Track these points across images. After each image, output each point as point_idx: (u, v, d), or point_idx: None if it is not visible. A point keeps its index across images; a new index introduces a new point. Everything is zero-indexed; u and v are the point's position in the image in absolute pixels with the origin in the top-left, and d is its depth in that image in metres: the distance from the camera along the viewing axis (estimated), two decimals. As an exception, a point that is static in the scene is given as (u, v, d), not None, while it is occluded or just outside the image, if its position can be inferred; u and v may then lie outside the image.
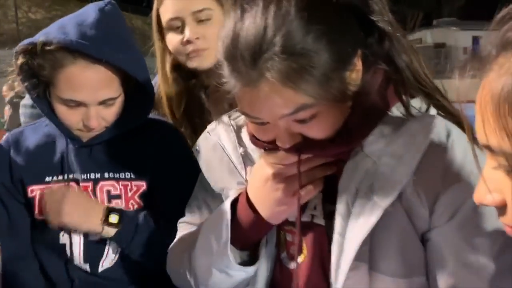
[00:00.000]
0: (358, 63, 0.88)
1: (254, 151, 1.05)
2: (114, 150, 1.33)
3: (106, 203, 1.32)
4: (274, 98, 0.83)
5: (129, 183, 1.34)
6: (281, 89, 0.82)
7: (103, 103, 1.26)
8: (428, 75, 0.94)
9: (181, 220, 1.21)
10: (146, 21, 1.60)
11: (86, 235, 1.34)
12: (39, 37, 1.20)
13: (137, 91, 1.30)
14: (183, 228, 1.19)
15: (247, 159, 1.06)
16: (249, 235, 1.01)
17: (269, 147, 0.95)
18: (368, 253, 0.91)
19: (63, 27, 1.22)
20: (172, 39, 1.52)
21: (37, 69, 1.23)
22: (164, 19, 1.51)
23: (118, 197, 1.33)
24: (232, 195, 1.03)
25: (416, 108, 0.94)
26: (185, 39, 1.48)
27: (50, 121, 1.33)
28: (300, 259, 0.99)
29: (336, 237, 0.92)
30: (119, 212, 1.30)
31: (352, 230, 0.90)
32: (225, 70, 0.87)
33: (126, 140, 1.35)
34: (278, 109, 0.85)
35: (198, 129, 1.28)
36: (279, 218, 0.98)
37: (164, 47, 1.55)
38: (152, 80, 1.43)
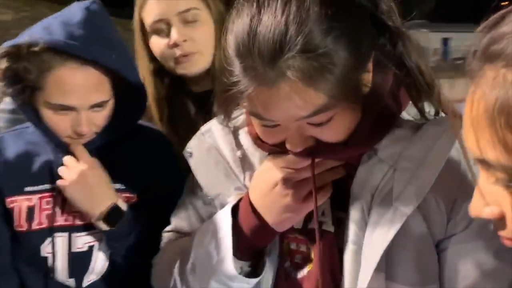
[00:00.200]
0: (370, 64, 0.85)
1: (253, 155, 1.00)
2: (104, 159, 1.26)
3: None
4: (294, 99, 0.79)
5: (119, 194, 1.27)
6: (301, 89, 0.78)
7: (94, 107, 1.19)
8: (434, 78, 0.91)
9: (166, 229, 1.15)
10: (127, 26, 1.50)
11: (70, 246, 1.26)
12: (23, 38, 1.13)
13: (126, 94, 1.24)
14: (170, 237, 1.13)
15: (245, 163, 1.01)
16: (252, 244, 0.96)
17: (276, 150, 0.91)
18: (385, 262, 0.88)
19: (48, 27, 1.15)
20: (158, 43, 1.43)
21: (22, 73, 1.15)
22: (148, 22, 1.42)
23: None
24: (231, 201, 0.98)
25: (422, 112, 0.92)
26: (171, 42, 1.39)
27: (36, 129, 1.25)
28: (308, 268, 0.95)
29: (350, 246, 0.89)
30: (120, 214, 1.24)
31: (371, 239, 0.87)
32: (237, 69, 0.82)
33: (115, 148, 1.29)
34: (296, 110, 0.81)
35: (183, 140, 1.21)
36: (286, 225, 0.94)
37: (148, 52, 1.46)
38: None
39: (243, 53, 0.80)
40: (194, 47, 1.40)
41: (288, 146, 0.87)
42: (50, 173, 1.27)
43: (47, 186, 1.27)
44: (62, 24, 1.15)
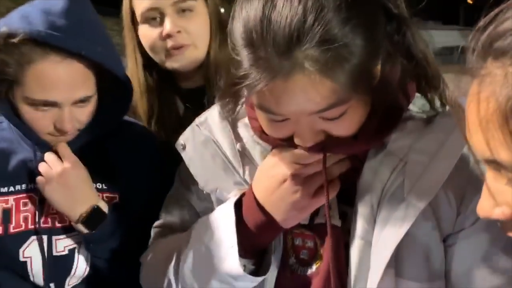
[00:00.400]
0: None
1: (253, 148, 0.97)
2: (87, 158, 1.19)
3: None
4: (309, 92, 0.76)
5: (100, 194, 1.21)
6: (318, 81, 0.75)
7: (78, 102, 1.12)
8: (438, 69, 0.91)
9: (156, 224, 1.11)
10: (112, 24, 1.41)
11: (50, 249, 1.19)
12: (0, 28, 1.04)
13: (111, 88, 1.17)
14: (159, 233, 1.09)
15: (245, 157, 0.97)
16: (256, 241, 0.93)
17: (282, 144, 0.88)
18: (395, 258, 0.86)
19: (26, 16, 1.07)
20: (148, 34, 1.35)
21: None
22: (139, 10, 1.34)
23: None
24: (233, 196, 0.94)
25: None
26: (165, 33, 1.31)
27: (13, 126, 1.17)
28: (316, 264, 0.93)
29: (357, 241, 0.88)
30: (101, 216, 1.17)
31: (381, 235, 0.86)
32: (246, 60, 0.77)
33: (98, 146, 1.22)
34: (311, 105, 0.78)
35: (170, 138, 1.16)
36: (294, 221, 0.92)
37: (137, 43, 1.39)
38: None
39: (255, 42, 0.76)
40: (188, 39, 1.34)
41: (297, 141, 0.85)
42: (27, 173, 1.19)
43: (24, 186, 1.19)
44: (42, 13, 1.07)
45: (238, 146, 0.97)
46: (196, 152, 1.01)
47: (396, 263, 0.87)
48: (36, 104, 1.10)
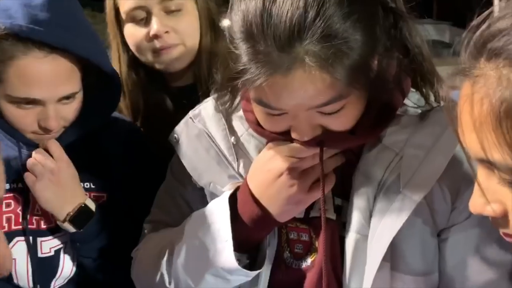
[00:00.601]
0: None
1: (248, 141, 0.96)
2: (74, 156, 1.15)
3: None
4: (309, 87, 0.76)
5: (88, 194, 1.18)
6: (318, 77, 0.75)
7: (63, 99, 1.09)
8: (433, 64, 0.91)
9: (148, 219, 1.10)
10: (95, 18, 1.35)
11: (35, 251, 1.16)
12: None
13: (98, 83, 1.14)
14: (151, 228, 1.08)
15: (239, 150, 0.96)
16: (251, 235, 0.92)
17: (278, 138, 0.88)
18: (390, 252, 0.87)
19: (6, 10, 1.03)
20: (134, 34, 1.29)
21: None
22: (124, 8, 1.28)
23: None
24: (227, 190, 0.94)
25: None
26: (152, 33, 1.25)
27: None
28: (311, 257, 0.93)
29: (353, 235, 0.88)
30: (89, 215, 1.15)
31: (377, 229, 0.87)
32: (244, 53, 0.77)
33: (85, 143, 1.19)
34: (310, 100, 0.78)
35: (159, 138, 1.12)
36: (290, 215, 0.92)
37: (122, 42, 1.33)
38: None
39: (255, 36, 0.75)
40: (177, 39, 1.28)
41: (294, 135, 0.85)
42: (11, 171, 1.14)
43: (7, 186, 1.15)
44: (23, 6, 1.03)
45: (232, 139, 0.96)
46: (190, 145, 1.00)
47: (392, 256, 0.88)
48: (18, 102, 1.06)
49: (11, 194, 1.16)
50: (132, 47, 1.32)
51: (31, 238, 1.16)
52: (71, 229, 1.14)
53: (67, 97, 1.09)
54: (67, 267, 1.20)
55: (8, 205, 1.16)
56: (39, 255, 1.17)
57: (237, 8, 0.78)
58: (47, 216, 1.16)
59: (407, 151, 0.87)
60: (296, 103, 0.79)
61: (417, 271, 0.89)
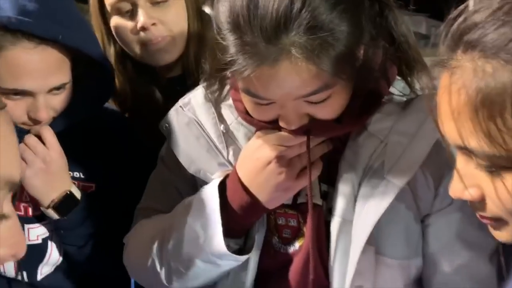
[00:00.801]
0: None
1: (237, 129, 0.98)
2: (63, 145, 1.15)
3: None
4: (296, 78, 0.78)
5: (76, 183, 1.19)
6: (304, 67, 0.77)
7: (53, 90, 1.08)
8: (419, 52, 0.92)
9: (139, 206, 1.11)
10: (79, 10, 1.34)
11: None
12: None
13: (89, 73, 1.14)
14: (143, 215, 1.09)
15: (228, 138, 0.98)
16: (241, 221, 0.95)
17: (267, 126, 0.90)
18: (375, 236, 0.90)
19: None
20: (121, 26, 1.26)
21: None
22: (109, 0, 1.26)
23: None
24: (217, 178, 0.96)
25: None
26: (139, 26, 1.23)
27: None
28: (299, 242, 0.96)
29: (337, 219, 0.91)
30: (74, 202, 1.15)
31: (361, 213, 0.90)
32: (232, 45, 0.78)
33: (74, 133, 1.18)
34: (297, 89, 0.80)
35: (148, 130, 1.13)
36: (279, 202, 0.94)
37: (108, 34, 1.30)
38: None
39: (242, 27, 0.77)
40: (165, 30, 1.26)
41: (282, 124, 0.87)
42: None
43: None
44: None
45: (222, 127, 0.98)
46: (180, 134, 1.01)
47: (376, 241, 0.91)
48: (7, 93, 1.05)
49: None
50: (119, 41, 1.30)
51: None
52: (55, 215, 1.14)
53: (57, 88, 1.09)
54: (54, 254, 1.20)
55: None
56: (27, 242, 1.16)
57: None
58: (36, 204, 1.16)
59: (392, 138, 0.89)
60: (284, 93, 0.81)
61: (401, 255, 0.92)
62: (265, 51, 0.76)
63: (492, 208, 0.65)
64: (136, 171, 1.18)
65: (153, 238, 1.01)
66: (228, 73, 0.80)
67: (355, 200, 0.91)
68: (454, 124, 0.62)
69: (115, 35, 1.30)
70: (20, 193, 1.17)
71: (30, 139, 1.11)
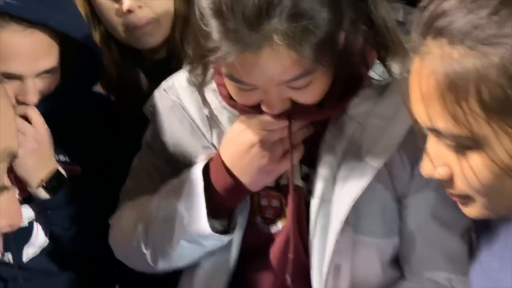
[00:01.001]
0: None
1: (221, 113, 1.00)
2: (50, 128, 1.16)
3: None
4: (278, 64, 0.80)
5: (62, 166, 1.19)
6: (286, 54, 0.79)
7: (42, 74, 1.09)
8: (399, 36, 0.93)
9: (124, 188, 1.13)
10: None
11: None
12: None
13: (77, 56, 1.15)
14: (128, 197, 1.11)
15: (212, 121, 1.00)
16: (224, 203, 0.97)
17: (250, 110, 0.91)
18: (353, 215, 0.93)
19: None
20: (105, 8, 1.25)
21: None
22: None
23: None
24: (201, 161, 0.98)
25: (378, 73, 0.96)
26: (125, 8, 1.21)
27: None
28: (281, 222, 0.98)
29: (315, 201, 0.94)
30: (63, 181, 1.16)
31: (340, 194, 0.93)
32: (215, 31, 0.80)
33: (59, 116, 1.19)
34: (280, 75, 0.82)
35: (134, 113, 1.13)
36: (262, 185, 0.97)
37: (92, 16, 1.29)
38: None
39: (224, 13, 0.78)
40: (151, 13, 1.24)
41: (264, 108, 0.89)
42: None
43: None
44: None
45: (206, 111, 1.00)
46: (164, 117, 1.03)
47: (355, 220, 0.94)
48: None
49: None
50: (104, 23, 1.30)
51: None
52: (44, 195, 1.15)
53: (46, 72, 1.10)
54: (40, 236, 1.21)
55: None
56: None
57: None
58: (22, 186, 1.17)
59: (370, 121, 0.92)
60: (266, 79, 0.83)
61: (378, 234, 0.96)
62: (248, 38, 0.77)
63: (460, 185, 0.69)
64: (122, 153, 1.19)
65: (138, 220, 1.03)
66: (211, 59, 0.82)
67: (334, 182, 0.93)
68: (424, 106, 0.65)
69: (100, 18, 1.30)
70: (7, 176, 1.17)
71: (20, 121, 1.11)
